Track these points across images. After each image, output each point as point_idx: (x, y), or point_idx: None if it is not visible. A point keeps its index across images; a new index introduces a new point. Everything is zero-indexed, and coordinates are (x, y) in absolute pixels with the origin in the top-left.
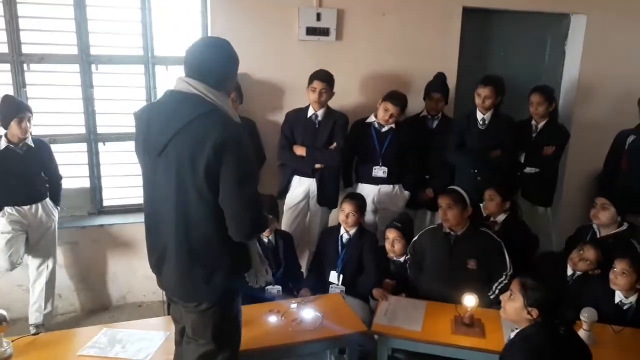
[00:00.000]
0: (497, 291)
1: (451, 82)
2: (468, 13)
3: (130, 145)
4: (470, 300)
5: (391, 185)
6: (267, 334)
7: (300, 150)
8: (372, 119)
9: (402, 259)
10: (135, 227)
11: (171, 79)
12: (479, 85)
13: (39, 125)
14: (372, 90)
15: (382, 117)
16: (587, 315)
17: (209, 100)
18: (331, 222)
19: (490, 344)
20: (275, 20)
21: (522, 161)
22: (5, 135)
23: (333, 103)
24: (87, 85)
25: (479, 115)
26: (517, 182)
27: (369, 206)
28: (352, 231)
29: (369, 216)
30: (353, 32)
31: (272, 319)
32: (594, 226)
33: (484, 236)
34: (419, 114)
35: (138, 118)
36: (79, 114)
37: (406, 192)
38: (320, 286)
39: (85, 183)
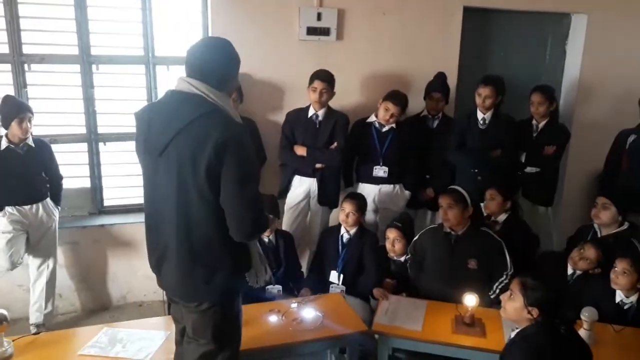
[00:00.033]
0: (497, 291)
1: (452, 81)
2: (468, 12)
3: (131, 145)
4: (470, 300)
5: (392, 185)
6: (267, 333)
7: (301, 150)
8: (372, 118)
9: (402, 259)
10: (135, 227)
11: (172, 79)
12: (479, 85)
13: (40, 126)
14: (373, 90)
15: (382, 116)
16: (587, 314)
17: (210, 100)
18: (332, 222)
19: (491, 344)
20: (276, 20)
21: (523, 161)
22: (6, 135)
23: (334, 103)
24: (87, 85)
25: (480, 115)
26: (517, 182)
27: (370, 206)
28: (353, 231)
29: (369, 216)
30: (354, 32)
31: (273, 318)
32: (595, 226)
33: (484, 236)
34: (419, 113)
35: (139, 118)
36: (80, 114)
37: (407, 192)
38: (320, 286)
39: (86, 183)
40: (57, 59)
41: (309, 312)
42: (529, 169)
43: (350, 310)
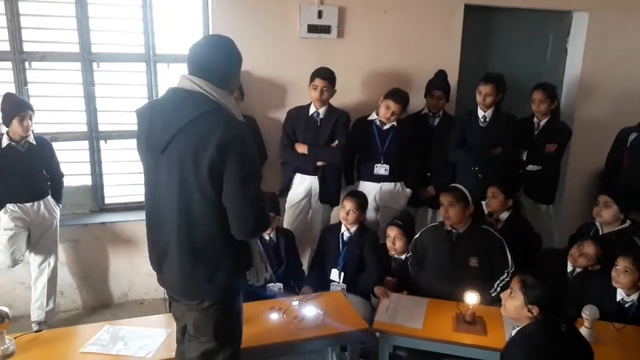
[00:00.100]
0: (498, 289)
1: (452, 79)
2: (470, 10)
3: (132, 143)
4: (471, 298)
5: (393, 183)
6: (268, 331)
7: (302, 148)
8: (373, 116)
9: (403, 257)
10: (136, 224)
11: (173, 76)
12: (480, 82)
13: (41, 123)
14: (374, 88)
15: (383, 114)
16: (588, 312)
17: (212, 98)
18: (333, 220)
19: (492, 342)
20: (277, 18)
21: (524, 159)
22: (7, 133)
23: (335, 101)
24: (88, 83)
25: (480, 113)
26: (519, 180)
27: (371, 204)
28: (353, 229)
29: (370, 214)
30: (354, 29)
31: (274, 316)
32: (597, 224)
33: (485, 234)
34: (420, 111)
35: (140, 115)
36: (81, 112)
37: (408, 190)
38: (321, 284)
39: (87, 181)
40: (58, 57)
41: (310, 310)
42: (530, 167)
43: (351, 308)
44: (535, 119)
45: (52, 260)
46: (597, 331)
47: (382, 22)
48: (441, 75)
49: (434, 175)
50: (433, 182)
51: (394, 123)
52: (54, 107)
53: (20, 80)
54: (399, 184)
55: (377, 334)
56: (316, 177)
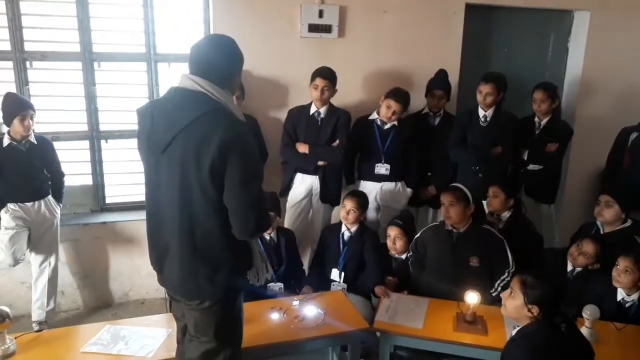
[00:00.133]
0: (499, 288)
1: (453, 79)
2: (470, 10)
3: (133, 142)
4: (472, 298)
5: (393, 183)
6: (269, 331)
7: (303, 148)
8: (374, 116)
9: (403, 257)
10: (137, 224)
11: (173, 76)
12: (480, 82)
13: (42, 123)
14: (375, 88)
15: (384, 114)
16: (589, 312)
17: (214, 98)
18: (334, 220)
19: (493, 341)
20: (278, 17)
21: (525, 158)
22: (8, 132)
23: (335, 100)
24: (89, 82)
25: (481, 112)
26: (520, 180)
27: (372, 204)
28: (354, 229)
29: (371, 213)
30: (355, 29)
31: (274, 316)
32: (598, 223)
33: (486, 233)
34: (420, 111)
35: (141, 115)
36: (82, 112)
37: (408, 190)
38: (322, 284)
39: (88, 180)
40: (59, 56)
41: (310, 309)
42: (531, 167)
43: (352, 308)
44: (536, 119)
45: (52, 259)
46: (598, 331)
47: (383, 21)
48: (442, 75)
49: (435, 174)
50: (433, 181)
51: (395, 122)
52: (55, 107)
53: (22, 80)
54: (399, 184)
55: (378, 334)
56: (317, 176)
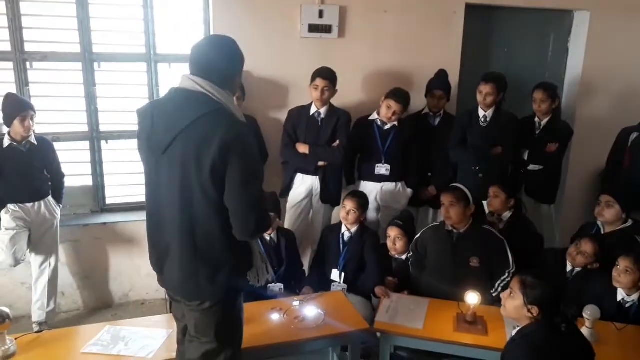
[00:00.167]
0: (499, 289)
1: (454, 79)
2: (471, 10)
3: (133, 143)
4: (472, 298)
5: (394, 183)
6: (269, 331)
7: (303, 148)
8: (374, 116)
9: (403, 257)
10: (137, 224)
11: (174, 77)
12: (480, 82)
13: (42, 124)
14: (375, 88)
15: (384, 114)
16: (590, 312)
17: (214, 99)
18: (334, 220)
19: (493, 342)
20: (278, 18)
21: (526, 158)
22: (9, 133)
23: (336, 100)
24: (89, 83)
25: (481, 113)
26: (520, 180)
27: (372, 204)
28: (354, 229)
29: (371, 214)
30: (355, 29)
31: (275, 316)
32: (599, 223)
33: (486, 234)
34: (421, 111)
35: (141, 115)
36: (82, 112)
37: (409, 190)
38: (322, 284)
39: (88, 181)
40: (59, 57)
41: (310, 310)
42: (531, 167)
43: (352, 309)
44: (536, 119)
45: (52, 260)
46: (598, 331)
47: (383, 21)
48: (442, 75)
49: (435, 175)
50: (434, 182)
51: (395, 123)
52: (55, 108)
53: (22, 81)
54: (400, 184)
55: (378, 334)
56: (317, 177)
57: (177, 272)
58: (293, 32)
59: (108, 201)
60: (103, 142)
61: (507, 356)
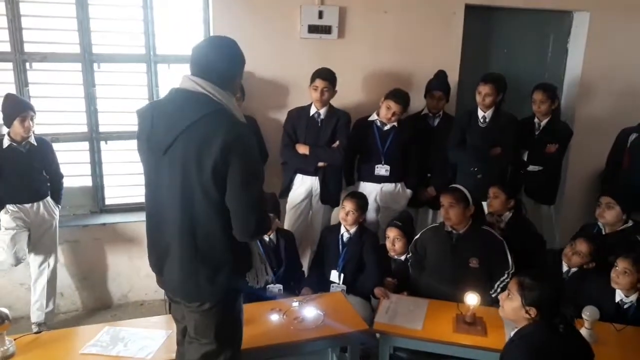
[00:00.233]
0: (499, 289)
1: (453, 79)
2: (470, 10)
3: (133, 143)
4: (472, 299)
5: (393, 184)
6: (268, 332)
7: (303, 149)
8: (374, 117)
9: (402, 258)
10: (137, 225)
11: (173, 77)
12: (479, 83)
13: (42, 124)
14: (374, 88)
15: (384, 115)
16: (589, 313)
17: (215, 99)
18: (333, 221)
19: (492, 343)
20: (277, 18)
21: (525, 159)
22: (8, 134)
23: (335, 101)
24: (89, 83)
25: (480, 113)
26: (520, 180)
27: (372, 205)
28: (353, 230)
29: (371, 215)
30: (355, 30)
31: (274, 317)
32: (599, 224)
33: (486, 235)
34: (420, 112)
35: (141, 116)
36: (81, 113)
37: (408, 191)
38: (321, 285)
39: (88, 182)
40: (59, 58)
41: (310, 311)
42: (531, 168)
43: (351, 309)
44: (535, 120)
45: (51, 261)
46: (597, 332)
47: (383, 22)
48: (441, 76)
49: (434, 175)
50: (433, 182)
51: (395, 123)
52: (55, 108)
53: (21, 81)
54: (399, 185)
55: (377, 335)
56: (317, 177)
57: (177, 272)
58: (293, 33)
59: (107, 202)
60: (102, 143)
61: (506, 357)
